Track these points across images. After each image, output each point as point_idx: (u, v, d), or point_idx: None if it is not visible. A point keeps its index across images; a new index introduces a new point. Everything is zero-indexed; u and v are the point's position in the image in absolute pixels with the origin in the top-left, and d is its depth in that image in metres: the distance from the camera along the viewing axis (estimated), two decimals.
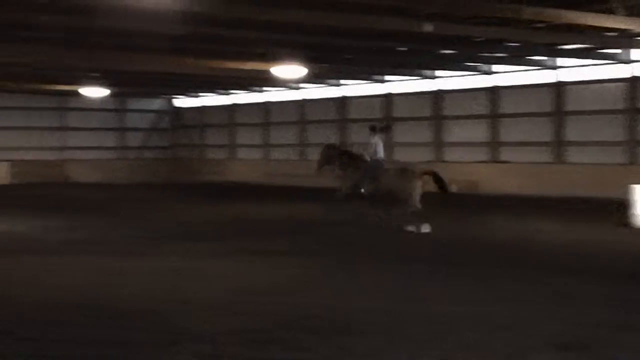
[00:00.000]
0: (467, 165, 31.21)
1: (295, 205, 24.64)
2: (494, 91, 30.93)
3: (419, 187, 17.94)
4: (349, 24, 18.59)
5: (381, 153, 19.02)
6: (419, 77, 32.95)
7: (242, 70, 27.08)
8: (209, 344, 7.83)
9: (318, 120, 37.25)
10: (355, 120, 35.78)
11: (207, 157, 43.17)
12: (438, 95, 32.78)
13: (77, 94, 35.99)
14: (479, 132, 31.40)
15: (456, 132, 32.31)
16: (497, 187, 29.11)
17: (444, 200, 19.14)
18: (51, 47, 22.68)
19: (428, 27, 18.07)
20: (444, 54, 26.53)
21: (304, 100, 38.22)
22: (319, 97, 37.72)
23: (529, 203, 24.68)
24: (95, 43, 22.01)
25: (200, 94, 43.10)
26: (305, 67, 24.72)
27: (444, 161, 32.32)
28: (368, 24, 18.54)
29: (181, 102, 44.84)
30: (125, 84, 35.96)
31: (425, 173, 18.49)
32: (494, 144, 30.97)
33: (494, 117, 30.97)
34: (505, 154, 30.71)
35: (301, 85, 36.87)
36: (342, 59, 26.99)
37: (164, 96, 44.18)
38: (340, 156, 19.61)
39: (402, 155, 33.66)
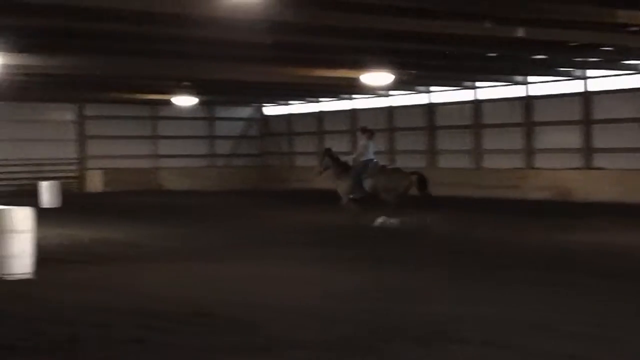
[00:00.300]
0: (559, 172, 30.64)
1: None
2: (587, 96, 30.31)
3: (406, 187, 19.06)
4: (438, 30, 18.44)
5: (371, 154, 19.61)
6: (509, 83, 32.51)
7: (331, 77, 27.13)
8: (302, 351, 7.83)
9: (406, 127, 37.08)
10: (444, 127, 35.51)
11: (295, 165, 43.32)
12: (529, 101, 32.29)
13: (168, 102, 36.56)
14: (571, 138, 30.81)
15: (548, 139, 31.76)
16: (590, 194, 28.47)
17: (426, 201, 19.78)
18: (143, 58, 23.07)
19: (520, 33, 17.80)
20: (536, 59, 26.11)
21: (392, 107, 38.07)
22: (407, 104, 37.53)
23: (622, 210, 24.11)
24: (186, 53, 22.30)
25: (289, 102, 43.31)
26: (394, 73, 24.63)
27: (534, 168, 31.84)
28: (458, 30, 18.36)
29: (270, 110, 45.14)
30: (215, 93, 36.40)
31: (413, 174, 19.65)
32: (587, 150, 30.34)
33: (587, 123, 30.35)
34: (599, 161, 30.05)
35: (389, 92, 36.75)
36: (431, 65, 26.79)
37: (253, 104, 44.55)
38: (332, 162, 20.50)
39: (492, 162, 33.30)
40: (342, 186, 20.05)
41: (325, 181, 38.58)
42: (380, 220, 18.88)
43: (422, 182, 19.46)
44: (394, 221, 18.64)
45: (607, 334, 8.33)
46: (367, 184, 19.33)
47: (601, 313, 9.38)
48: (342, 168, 20.19)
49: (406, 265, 13.65)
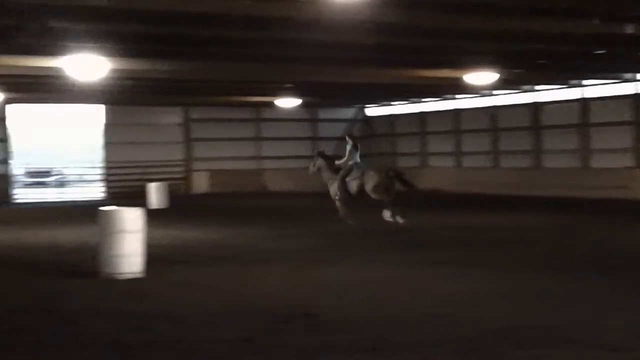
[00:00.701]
0: None
1: (491, 215, 24.28)
2: None
3: (384, 183, 20.07)
4: (543, 28, 18.14)
5: (356, 158, 20.93)
6: (618, 80, 31.71)
7: (435, 78, 26.95)
8: (406, 351, 7.82)
9: (511, 127, 36.54)
10: (549, 127, 34.86)
11: (398, 166, 43.07)
12: (639, 99, 31.42)
13: (271, 104, 36.95)
14: None
15: None
16: None
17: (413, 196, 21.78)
18: (247, 62, 23.30)
19: (629, 29, 17.36)
20: None
21: (496, 107, 37.58)
22: (511, 103, 36.99)
23: None
24: (290, 55, 22.44)
25: (392, 103, 43.19)
26: (499, 73, 24.34)
27: None
28: (566, 29, 18.02)
29: (372, 110, 45.10)
30: (317, 94, 36.56)
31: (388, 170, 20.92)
32: None
33: None
34: None
35: (493, 91, 36.29)
36: (537, 64, 26.32)
37: (356, 105, 44.58)
38: (326, 164, 21.66)
39: (600, 162, 32.52)
40: (332, 188, 21.06)
41: (428, 182, 38.62)
42: (386, 215, 19.85)
43: (399, 176, 20.61)
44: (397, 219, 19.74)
45: None
46: (351, 186, 20.45)
47: None
48: (333, 170, 21.21)
49: (512, 268, 13.47)
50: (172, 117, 40.94)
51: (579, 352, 7.71)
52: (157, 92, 33.48)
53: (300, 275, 12.91)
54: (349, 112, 44.86)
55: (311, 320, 9.34)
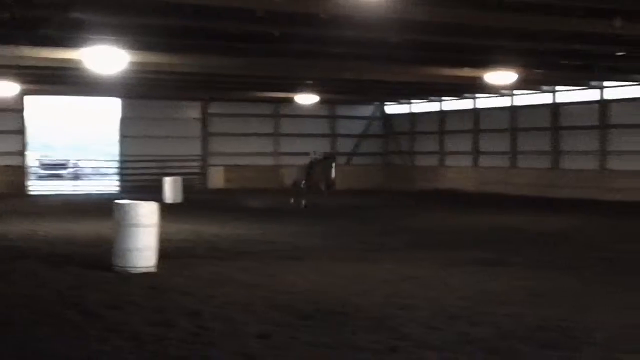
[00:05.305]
0: None
1: (510, 215, 24.16)
2: None
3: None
4: (566, 28, 18.02)
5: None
6: (638, 83, 31.43)
7: (455, 76, 26.80)
8: (429, 351, 7.74)
9: (530, 127, 36.30)
10: (569, 128, 34.59)
11: (417, 164, 42.94)
12: None
13: (290, 100, 36.82)
14: None
15: None
16: None
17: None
18: (267, 57, 23.20)
19: None
20: None
21: (516, 107, 37.35)
22: (531, 104, 36.74)
23: None
24: (310, 52, 22.36)
25: (412, 101, 43.00)
26: (519, 73, 24.19)
27: None
28: (587, 28, 17.88)
29: (392, 108, 44.92)
30: (337, 91, 36.45)
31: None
32: None
33: None
34: None
35: (513, 91, 36.07)
36: (557, 64, 26.14)
37: (375, 103, 44.39)
38: None
39: (619, 164, 32.21)
40: None
41: (446, 182, 38.49)
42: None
43: None
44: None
45: None
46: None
47: None
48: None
49: (532, 268, 13.37)
50: (190, 111, 40.88)
51: (603, 354, 7.62)
52: (176, 86, 33.46)
53: (323, 272, 12.77)
54: (368, 110, 44.67)
55: (332, 317, 9.24)
